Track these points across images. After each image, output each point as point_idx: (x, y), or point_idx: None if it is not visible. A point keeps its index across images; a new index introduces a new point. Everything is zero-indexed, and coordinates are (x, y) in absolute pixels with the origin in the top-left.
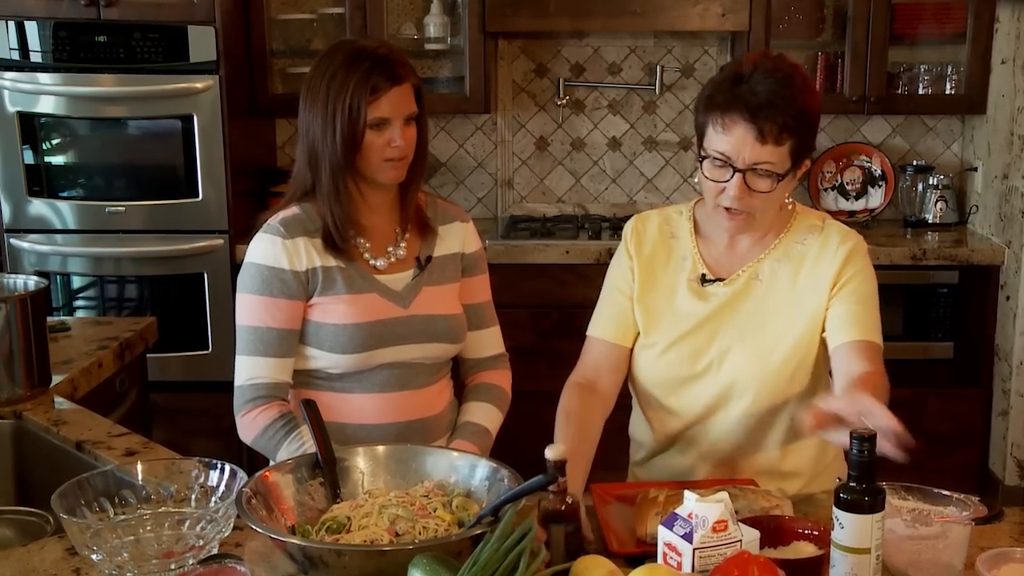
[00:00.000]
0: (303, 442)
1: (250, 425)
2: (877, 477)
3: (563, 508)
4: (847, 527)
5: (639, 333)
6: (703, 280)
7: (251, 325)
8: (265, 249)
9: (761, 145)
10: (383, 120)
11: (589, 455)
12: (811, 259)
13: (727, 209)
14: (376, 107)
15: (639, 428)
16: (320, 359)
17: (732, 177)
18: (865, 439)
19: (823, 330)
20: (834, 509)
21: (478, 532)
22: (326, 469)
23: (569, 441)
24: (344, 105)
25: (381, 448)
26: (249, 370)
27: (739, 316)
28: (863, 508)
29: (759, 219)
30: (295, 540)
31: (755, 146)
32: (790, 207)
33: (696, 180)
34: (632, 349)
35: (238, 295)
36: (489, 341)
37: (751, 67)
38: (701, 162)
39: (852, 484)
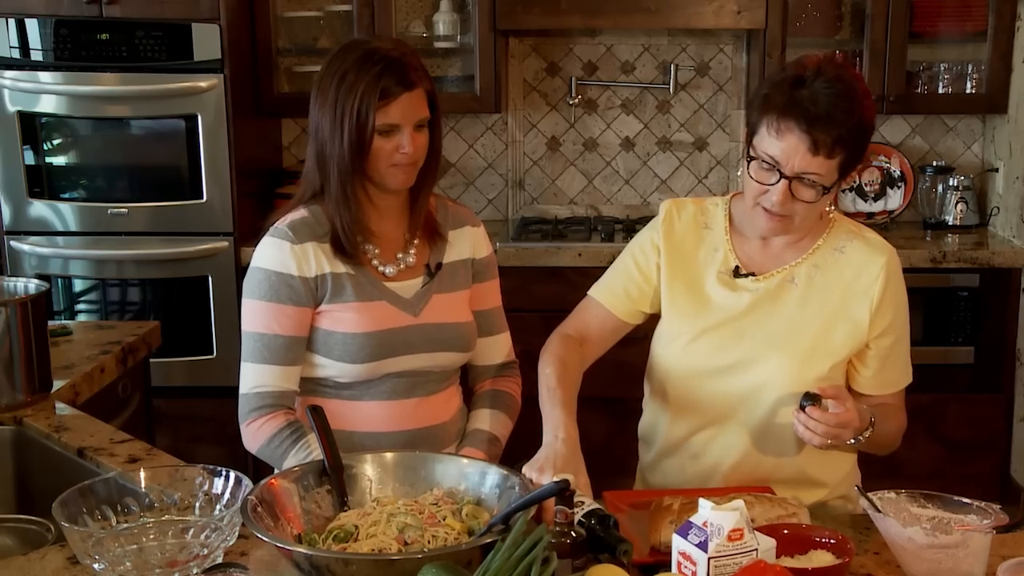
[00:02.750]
0: (310, 451)
1: (256, 434)
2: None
3: (568, 542)
4: None
5: (644, 315)
6: (736, 273)
7: (257, 332)
8: (273, 254)
9: (812, 156)
10: (392, 126)
11: (574, 400)
12: (852, 271)
13: (766, 210)
14: (385, 113)
15: (651, 427)
16: (329, 368)
17: (778, 182)
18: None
19: (860, 364)
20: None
21: (488, 541)
22: (333, 476)
23: (568, 386)
24: (352, 109)
25: (389, 455)
26: (255, 378)
27: (772, 318)
28: None
29: (798, 224)
30: (301, 549)
31: (806, 156)
32: (830, 214)
33: (739, 173)
34: (627, 325)
35: (244, 301)
36: (499, 348)
37: (814, 72)
38: (749, 161)
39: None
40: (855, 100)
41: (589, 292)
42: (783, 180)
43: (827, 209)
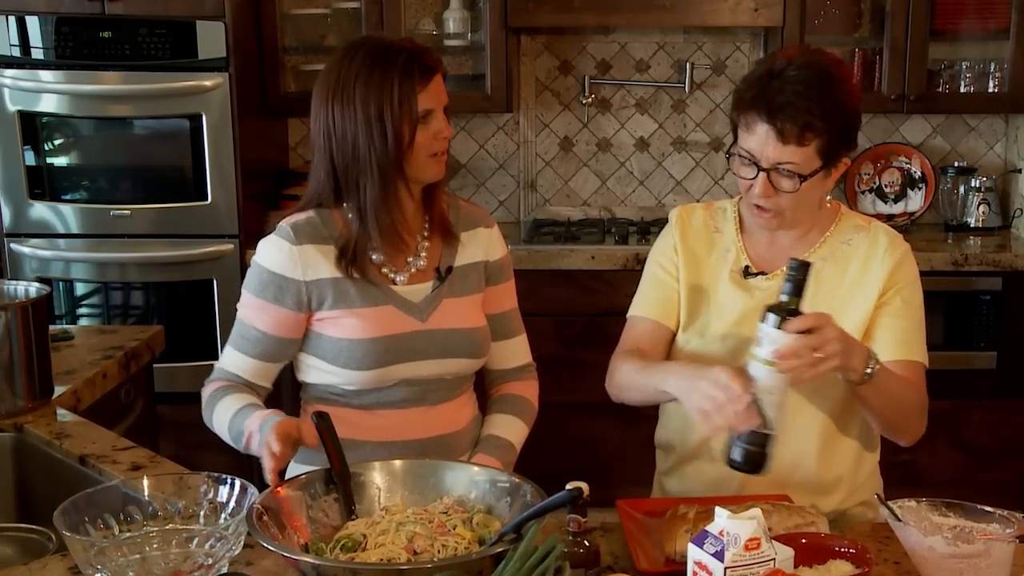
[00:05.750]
0: (237, 404)
1: (202, 402)
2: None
3: (582, 551)
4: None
5: (680, 320)
6: (746, 272)
7: (241, 319)
8: (270, 252)
9: (783, 145)
10: (428, 112)
11: None
12: (858, 261)
13: (756, 206)
14: (420, 99)
15: (667, 434)
16: (335, 375)
17: (757, 175)
18: (802, 264)
19: (866, 339)
20: (760, 326)
21: (500, 550)
22: (340, 484)
23: (649, 361)
24: (392, 102)
25: (398, 463)
26: (224, 358)
27: None
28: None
29: (790, 217)
30: (308, 559)
31: (777, 146)
32: (830, 205)
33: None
34: (673, 332)
35: (242, 288)
36: (515, 351)
37: (784, 62)
38: (728, 158)
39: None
40: (826, 85)
41: (629, 314)
42: (761, 173)
43: (827, 199)
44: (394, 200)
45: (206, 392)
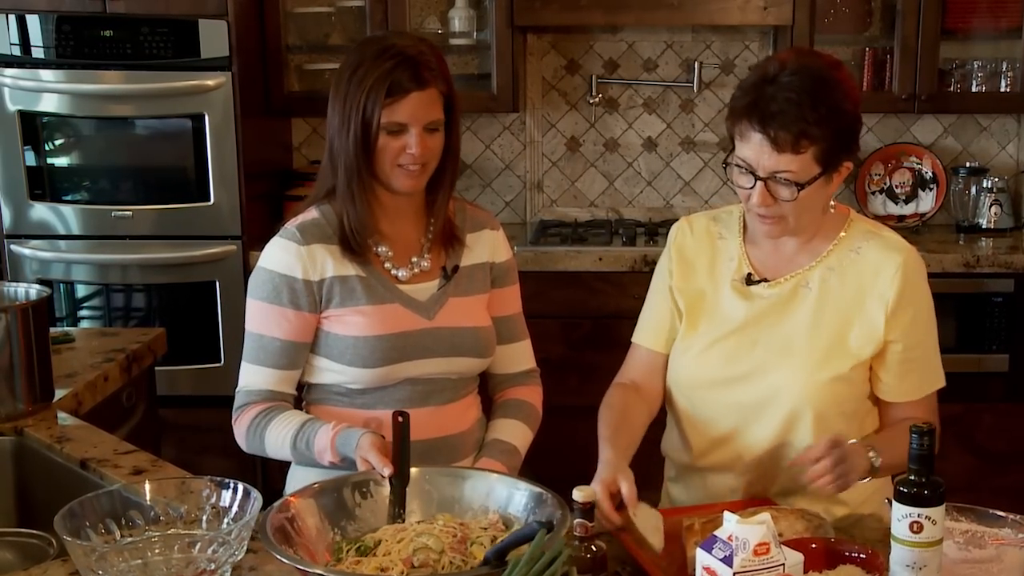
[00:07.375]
0: (289, 422)
1: (238, 430)
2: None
3: (589, 556)
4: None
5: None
6: (748, 280)
7: (256, 332)
8: (278, 255)
9: (778, 154)
10: (400, 125)
11: (630, 442)
12: (868, 273)
13: (757, 214)
14: (392, 111)
15: (672, 443)
16: (340, 373)
17: (755, 185)
18: (924, 433)
19: (875, 354)
20: (894, 504)
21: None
22: (397, 487)
23: (609, 427)
24: (359, 104)
25: (466, 473)
26: (247, 377)
27: (785, 324)
28: (923, 501)
29: (794, 223)
30: (305, 566)
31: (772, 155)
32: (835, 210)
33: None
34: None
35: (248, 299)
36: (519, 355)
37: (778, 68)
38: (725, 167)
39: (912, 478)
40: (821, 91)
41: (632, 339)
42: (758, 182)
43: (831, 205)
44: (359, 198)
45: (244, 420)
